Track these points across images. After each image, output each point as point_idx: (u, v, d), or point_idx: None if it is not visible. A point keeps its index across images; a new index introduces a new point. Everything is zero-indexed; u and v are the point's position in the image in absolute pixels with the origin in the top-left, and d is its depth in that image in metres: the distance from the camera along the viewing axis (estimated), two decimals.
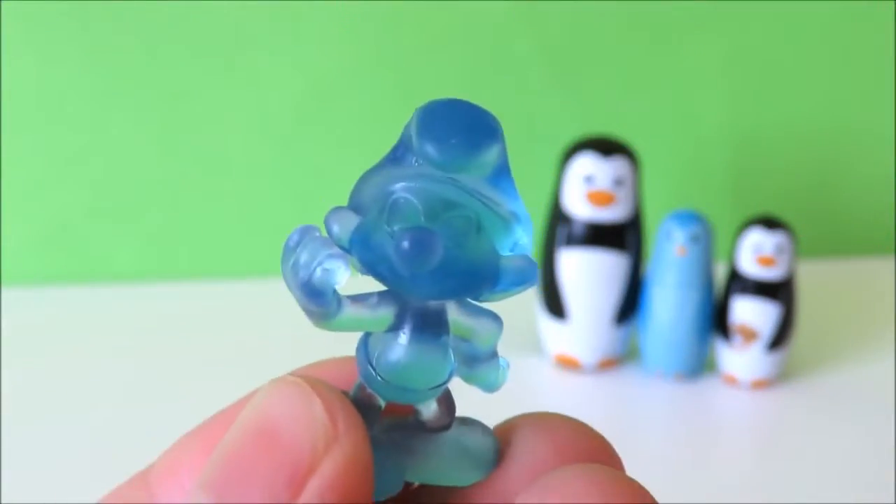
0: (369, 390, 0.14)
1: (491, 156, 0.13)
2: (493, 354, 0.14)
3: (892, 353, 0.47)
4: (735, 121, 0.58)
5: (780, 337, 0.43)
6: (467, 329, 0.14)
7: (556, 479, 0.13)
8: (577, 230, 0.43)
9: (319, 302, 0.13)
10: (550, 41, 0.55)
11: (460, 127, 0.13)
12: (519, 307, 0.49)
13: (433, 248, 0.12)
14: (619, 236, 0.44)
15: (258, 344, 0.46)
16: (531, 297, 0.47)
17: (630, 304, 0.45)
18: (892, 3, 0.57)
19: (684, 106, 0.57)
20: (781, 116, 0.58)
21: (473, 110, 0.13)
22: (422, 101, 0.14)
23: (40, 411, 0.41)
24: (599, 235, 0.43)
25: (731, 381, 0.44)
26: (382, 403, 0.14)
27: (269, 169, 0.55)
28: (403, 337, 0.13)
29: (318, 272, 0.13)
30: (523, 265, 0.13)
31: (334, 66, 0.54)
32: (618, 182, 0.43)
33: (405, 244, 0.12)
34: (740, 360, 0.43)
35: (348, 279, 0.13)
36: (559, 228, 0.44)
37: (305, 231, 0.13)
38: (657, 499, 0.13)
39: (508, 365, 0.14)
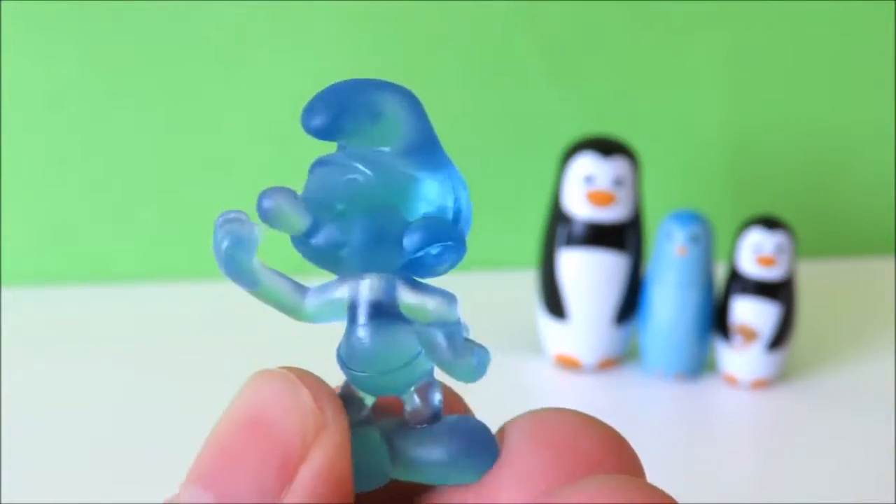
0: (350, 386, 0.14)
1: (379, 119, 0.13)
2: (457, 336, 0.14)
3: (892, 353, 0.47)
4: (735, 121, 0.58)
5: (780, 337, 0.43)
6: (416, 307, 0.14)
7: (569, 495, 0.12)
8: (577, 230, 0.43)
9: (239, 279, 0.14)
10: (550, 41, 0.55)
11: (330, 96, 0.13)
12: (519, 307, 0.49)
13: (274, 200, 0.13)
14: (619, 236, 0.44)
15: (258, 344, 0.46)
16: (531, 297, 0.47)
17: (630, 304, 0.45)
18: (893, 3, 0.57)
19: (684, 106, 0.57)
20: (782, 117, 0.58)
21: (357, 82, 0.14)
22: (422, 100, 0.14)
23: (40, 411, 0.41)
24: (599, 235, 0.43)
25: (731, 381, 0.44)
26: (365, 397, 0.14)
27: (270, 169, 0.55)
28: (359, 320, 0.14)
29: (224, 246, 0.13)
30: (432, 223, 0.13)
31: (334, 66, 0.54)
32: (618, 182, 0.43)
33: (260, 203, 0.13)
34: (740, 360, 0.43)
35: (256, 245, 0.13)
36: (559, 228, 0.44)
37: (225, 214, 0.14)
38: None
39: (488, 354, 0.14)
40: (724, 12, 0.56)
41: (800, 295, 0.46)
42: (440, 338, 0.14)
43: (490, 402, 0.15)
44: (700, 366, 0.45)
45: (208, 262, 0.60)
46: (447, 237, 0.13)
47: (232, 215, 0.14)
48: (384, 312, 0.14)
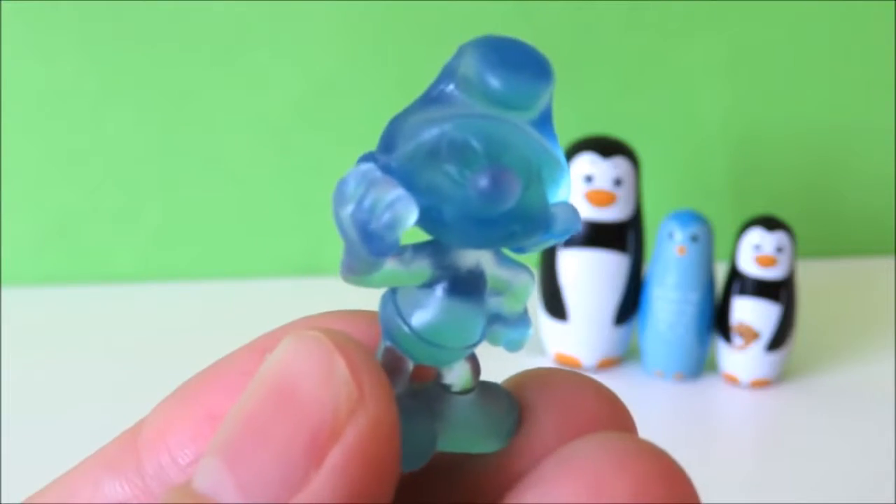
0: (398, 352, 0.13)
1: (546, 95, 0.13)
2: (524, 311, 0.14)
3: (892, 353, 0.47)
4: (735, 121, 0.58)
5: (780, 337, 0.43)
6: (503, 283, 0.13)
7: (573, 455, 0.12)
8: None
9: (380, 249, 0.12)
10: (550, 41, 0.55)
11: (525, 59, 0.12)
12: None
13: (512, 188, 0.12)
14: (619, 236, 0.44)
15: None
16: (531, 297, 0.47)
17: (630, 304, 0.45)
18: (893, 3, 0.57)
19: (684, 106, 0.57)
20: (782, 116, 0.58)
21: (529, 47, 0.13)
22: None
23: (40, 411, 0.41)
24: (599, 235, 0.43)
25: (731, 380, 0.44)
26: (411, 367, 0.13)
27: (270, 168, 0.55)
28: (440, 291, 0.12)
29: (386, 217, 0.11)
30: (571, 213, 0.13)
31: (334, 66, 0.54)
32: (618, 182, 0.43)
33: (484, 183, 0.11)
34: (740, 359, 0.43)
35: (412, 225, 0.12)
36: None
37: (366, 173, 0.12)
38: None
39: (531, 323, 0.14)
40: (724, 12, 0.56)
41: (800, 295, 0.46)
42: (510, 309, 0.13)
43: None
44: (700, 366, 0.45)
45: (208, 262, 0.59)
46: (577, 225, 0.13)
47: (380, 175, 0.12)
48: (467, 282, 0.13)
